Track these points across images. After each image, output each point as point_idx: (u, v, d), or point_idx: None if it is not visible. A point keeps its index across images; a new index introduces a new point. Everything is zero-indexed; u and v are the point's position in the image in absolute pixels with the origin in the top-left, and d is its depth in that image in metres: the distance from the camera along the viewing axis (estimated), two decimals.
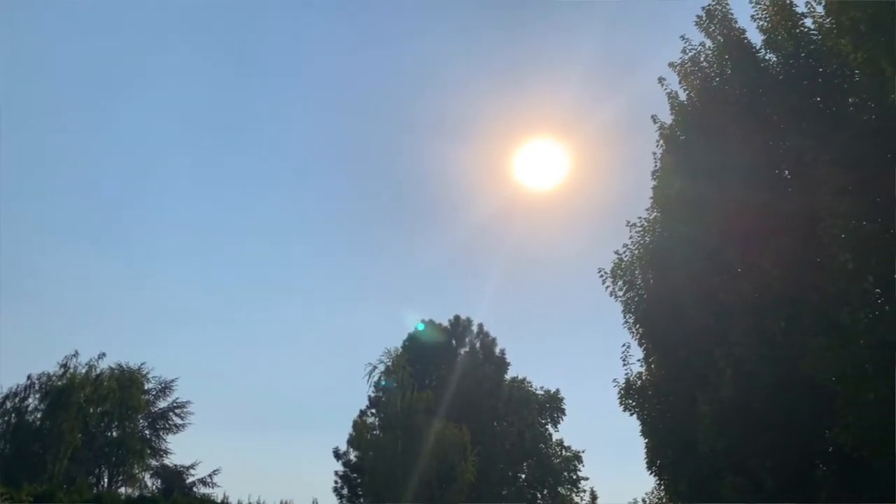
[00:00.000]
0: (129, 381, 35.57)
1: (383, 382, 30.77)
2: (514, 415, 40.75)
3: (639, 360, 16.91)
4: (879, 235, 11.42)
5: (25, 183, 63.76)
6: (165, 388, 38.22)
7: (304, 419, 61.84)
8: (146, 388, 37.41)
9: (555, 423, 43.36)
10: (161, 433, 37.71)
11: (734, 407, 13.08)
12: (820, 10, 13.98)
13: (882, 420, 10.58)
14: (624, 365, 16.98)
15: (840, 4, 12.54)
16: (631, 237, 17.18)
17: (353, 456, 38.67)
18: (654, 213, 16.98)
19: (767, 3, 14.66)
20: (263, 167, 78.34)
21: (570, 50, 71.84)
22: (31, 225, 60.50)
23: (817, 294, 12.05)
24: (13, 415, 32.59)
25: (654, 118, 16.84)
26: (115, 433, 35.51)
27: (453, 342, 42.65)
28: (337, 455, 39.91)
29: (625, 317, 16.97)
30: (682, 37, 15.97)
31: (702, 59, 15.80)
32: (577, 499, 41.63)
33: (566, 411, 43.48)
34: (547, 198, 59.09)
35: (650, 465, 16.31)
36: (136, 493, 32.75)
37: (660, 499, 21.94)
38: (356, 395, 48.45)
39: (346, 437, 38.75)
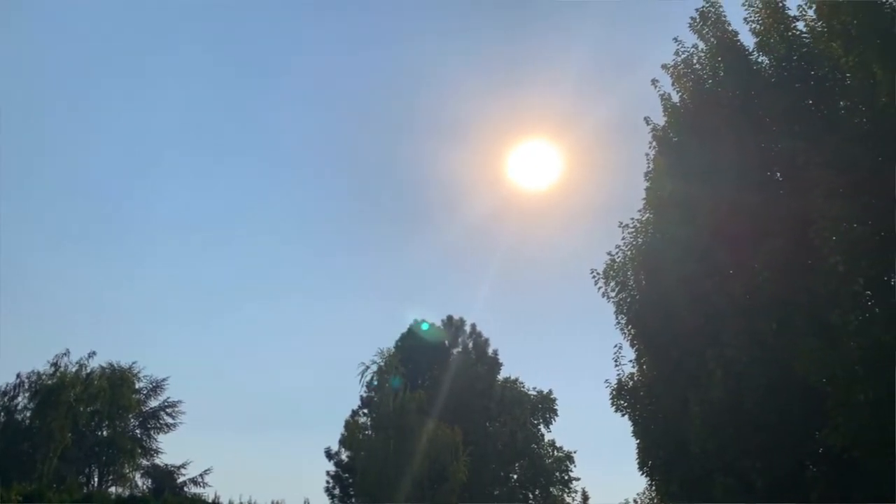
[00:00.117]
0: (119, 380, 35.38)
1: (375, 382, 30.68)
2: (507, 415, 40.76)
3: (631, 361, 16.92)
4: (870, 238, 11.49)
5: (20, 182, 63.41)
6: (156, 387, 38.02)
7: (296, 419, 61.70)
8: (137, 387, 37.20)
9: (547, 424, 43.39)
10: (152, 432, 37.50)
11: (725, 408, 13.12)
12: (811, 13, 14.05)
13: (872, 421, 10.65)
14: (616, 366, 16.99)
15: (831, 8, 12.64)
16: (623, 238, 17.19)
17: (344, 456, 38.58)
18: (647, 215, 16.99)
19: (760, 6, 14.74)
20: (257, 166, 78.27)
21: (565, 51, 72.10)
22: (23, 224, 60.09)
23: (808, 296, 12.13)
24: (2, 413, 32.49)
25: (646, 119, 16.95)
26: (105, 432, 35.36)
27: (446, 342, 42.63)
28: (329, 455, 39.83)
29: (617, 318, 16.97)
30: (676, 39, 16.09)
31: (695, 61, 15.88)
32: (568, 499, 41.68)
33: (558, 412, 43.58)
34: (541, 198, 59.25)
35: (642, 465, 16.30)
36: (127, 492, 32.38)
37: (651, 499, 21.94)
38: (348, 395, 48.57)
39: (337, 437, 38.79)
